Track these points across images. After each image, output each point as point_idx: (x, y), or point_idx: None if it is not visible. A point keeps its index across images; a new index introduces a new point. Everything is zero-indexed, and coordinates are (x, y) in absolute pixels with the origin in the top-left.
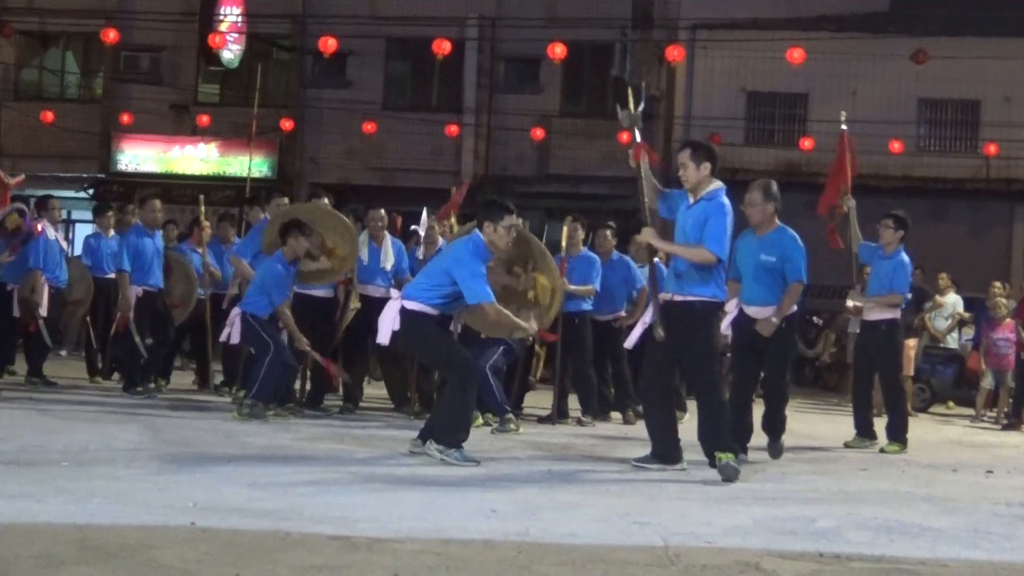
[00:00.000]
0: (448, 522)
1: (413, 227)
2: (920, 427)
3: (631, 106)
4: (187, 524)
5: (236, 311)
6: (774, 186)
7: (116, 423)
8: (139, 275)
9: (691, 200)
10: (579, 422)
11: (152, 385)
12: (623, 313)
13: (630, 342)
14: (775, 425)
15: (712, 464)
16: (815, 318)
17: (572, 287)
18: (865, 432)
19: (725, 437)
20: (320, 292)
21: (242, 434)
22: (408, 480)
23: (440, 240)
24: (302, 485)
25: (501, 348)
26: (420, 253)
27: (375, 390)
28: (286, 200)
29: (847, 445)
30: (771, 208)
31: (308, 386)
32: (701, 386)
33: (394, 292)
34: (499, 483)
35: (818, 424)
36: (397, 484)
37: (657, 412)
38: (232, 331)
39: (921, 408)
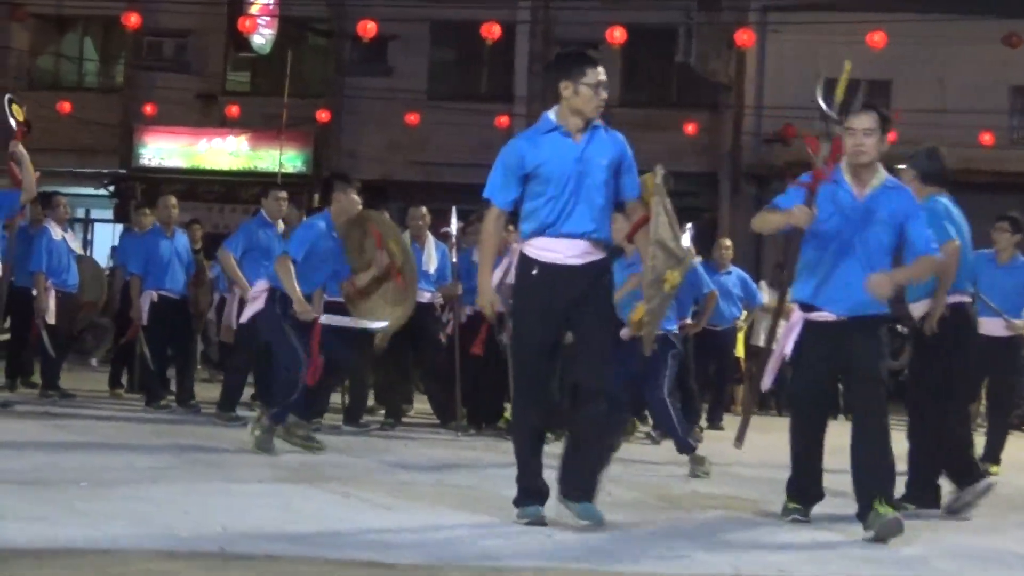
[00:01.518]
0: (499, 548)
1: (444, 229)
2: (1014, 445)
3: (837, 97)
4: (216, 550)
5: (263, 285)
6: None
7: (138, 440)
8: (153, 279)
9: (854, 188)
10: (649, 436)
11: (163, 401)
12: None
13: (767, 383)
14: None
15: (862, 514)
16: (899, 326)
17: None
18: (992, 456)
19: (886, 480)
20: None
21: (274, 453)
22: (454, 502)
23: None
24: (339, 508)
25: (671, 353)
26: (453, 256)
27: (419, 404)
28: (283, 194)
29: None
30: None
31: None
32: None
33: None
34: (556, 504)
35: (899, 442)
36: (442, 506)
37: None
38: (252, 310)
39: (1016, 425)
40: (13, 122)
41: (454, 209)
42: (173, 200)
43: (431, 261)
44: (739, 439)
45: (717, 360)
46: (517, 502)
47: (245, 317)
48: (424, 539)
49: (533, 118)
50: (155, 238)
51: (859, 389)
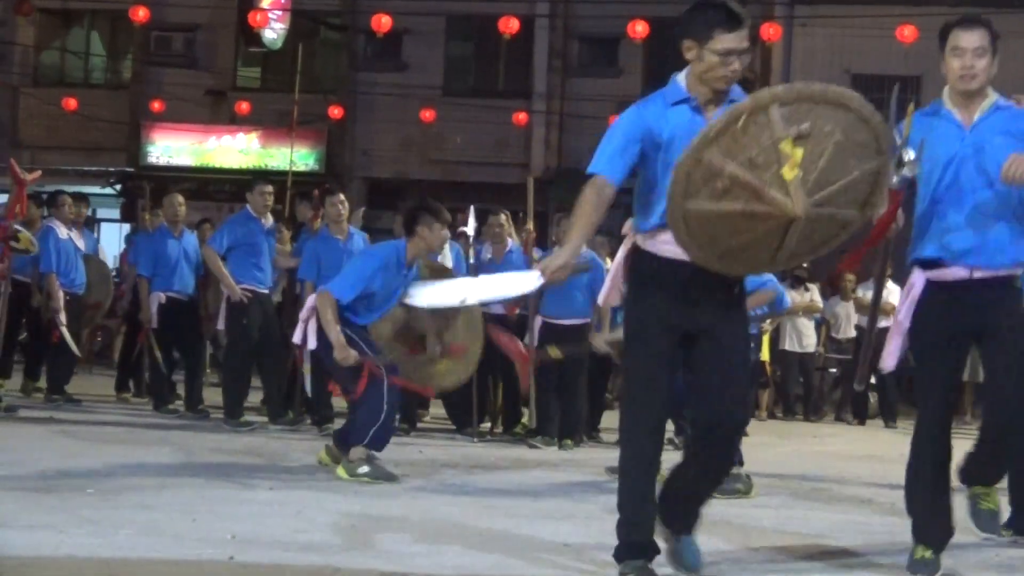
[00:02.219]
0: (515, 557)
1: (461, 228)
2: None
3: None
4: (225, 559)
5: (313, 301)
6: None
7: (146, 445)
8: (161, 280)
9: (960, 117)
10: (671, 443)
11: (171, 406)
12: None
13: (890, 362)
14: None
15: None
16: None
17: None
18: None
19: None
20: None
21: (285, 459)
22: (471, 510)
23: (509, 240)
24: (352, 515)
25: None
26: (470, 256)
27: (434, 409)
28: (269, 188)
29: None
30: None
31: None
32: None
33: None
34: (573, 514)
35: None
36: (459, 514)
37: None
38: (308, 332)
39: None
40: None
41: (472, 208)
42: (180, 198)
43: (446, 261)
44: (860, 381)
45: None
46: (619, 555)
47: (314, 344)
48: (438, 549)
49: (552, 115)
50: (163, 238)
51: (998, 361)
